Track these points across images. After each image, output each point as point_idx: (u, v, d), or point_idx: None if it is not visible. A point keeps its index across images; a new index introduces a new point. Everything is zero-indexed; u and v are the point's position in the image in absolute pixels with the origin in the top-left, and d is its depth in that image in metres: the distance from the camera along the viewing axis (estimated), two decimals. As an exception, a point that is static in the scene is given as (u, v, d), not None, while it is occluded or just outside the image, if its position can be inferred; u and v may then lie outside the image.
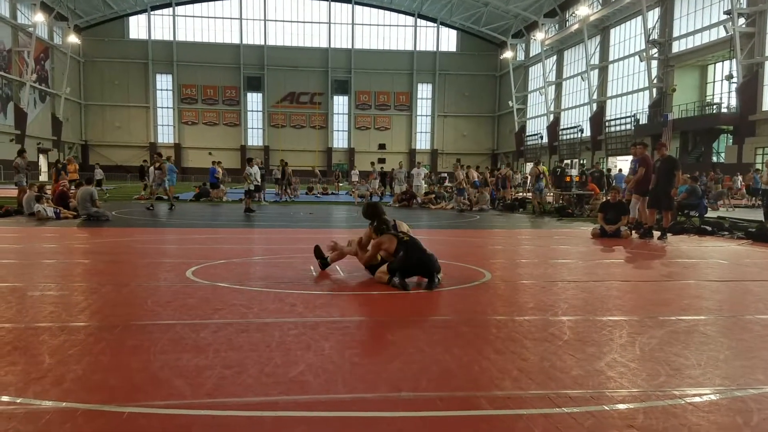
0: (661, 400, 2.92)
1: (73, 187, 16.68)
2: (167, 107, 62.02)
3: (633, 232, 11.61)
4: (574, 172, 23.67)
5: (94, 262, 7.40)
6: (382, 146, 63.44)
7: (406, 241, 6.14)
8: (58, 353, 3.51)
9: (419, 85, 64.10)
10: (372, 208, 6.67)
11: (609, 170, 25.79)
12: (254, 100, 63.12)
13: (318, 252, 6.76)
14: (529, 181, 22.35)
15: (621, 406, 2.85)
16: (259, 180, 21.48)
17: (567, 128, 48.91)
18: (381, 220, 6.41)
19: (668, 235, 11.18)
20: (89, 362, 3.37)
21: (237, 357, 3.49)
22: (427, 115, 65.13)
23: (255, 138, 63.58)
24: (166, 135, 62.30)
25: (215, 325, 4.22)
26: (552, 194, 21.04)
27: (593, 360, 3.56)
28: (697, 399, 2.96)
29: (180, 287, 5.63)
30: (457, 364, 3.45)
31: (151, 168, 23.94)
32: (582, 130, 46.01)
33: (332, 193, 31.87)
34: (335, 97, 63.49)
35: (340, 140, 64.40)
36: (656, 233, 11.24)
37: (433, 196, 22.37)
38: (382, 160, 58.61)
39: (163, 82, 61.63)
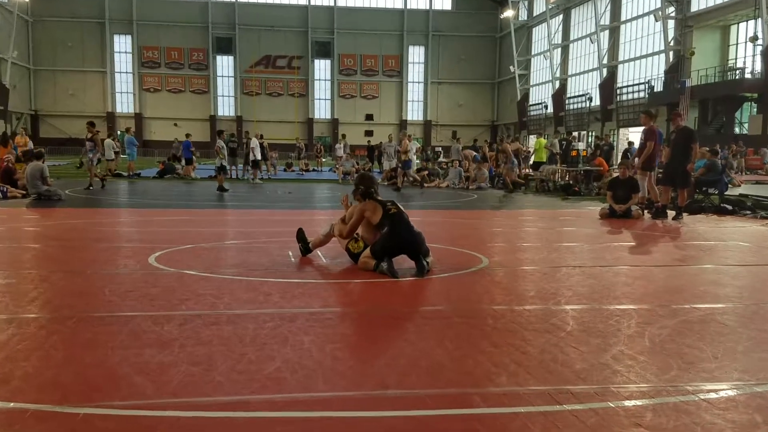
0: (673, 396, 2.97)
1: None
2: (126, 72, 61.32)
3: (645, 211, 11.71)
4: (582, 145, 23.69)
5: (45, 246, 7.34)
6: (369, 117, 63.21)
7: (393, 213, 6.09)
8: (5, 348, 3.49)
9: (410, 48, 63.76)
10: (366, 177, 6.60)
11: (631, 143, 25.69)
12: (225, 65, 62.52)
13: (301, 235, 6.75)
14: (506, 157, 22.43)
15: (628, 403, 2.89)
16: (258, 155, 21.28)
17: (574, 96, 48.95)
18: (369, 184, 6.37)
19: (684, 214, 11.28)
20: (40, 358, 3.36)
21: (206, 352, 3.49)
22: (419, 82, 64.89)
23: (226, 107, 63.10)
24: (125, 104, 61.68)
25: (181, 317, 4.21)
26: (557, 171, 21.09)
27: (598, 353, 3.60)
28: (712, 395, 3.01)
29: (142, 275, 5.61)
30: (449, 358, 3.48)
31: (108, 140, 23.78)
32: (591, 99, 46.07)
33: (314, 170, 31.78)
34: (316, 61, 63.02)
35: (322, 110, 64.09)
36: (671, 213, 11.34)
37: (426, 173, 22.36)
38: (369, 133, 58.46)
39: (122, 44, 60.84)
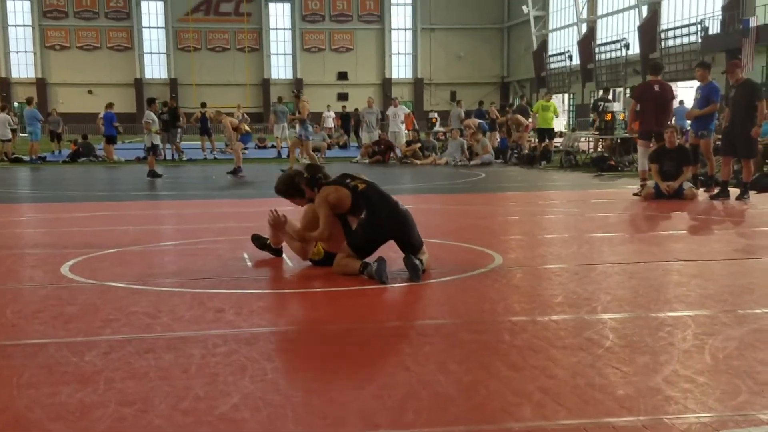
0: (742, 429, 2.99)
1: None
2: (23, 25, 60.60)
3: (702, 189, 11.81)
4: (618, 105, 23.80)
5: (-75, 256, 7.26)
6: (342, 75, 63.08)
7: (362, 189, 6.03)
8: None
9: (394, -15, 63.60)
10: (304, 168, 6.50)
11: (681, 102, 25.71)
12: (152, 12, 62.10)
13: (258, 242, 6.72)
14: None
15: (686, 438, 2.92)
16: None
17: (606, 43, 49.02)
18: (314, 171, 6.33)
19: (750, 192, 11.38)
20: (-77, 404, 3.33)
21: (140, 388, 3.47)
22: (406, 29, 64.78)
23: (156, 68, 62.67)
24: (23, 66, 61.01)
25: (107, 343, 4.19)
26: (588, 139, 21.23)
27: (646, 374, 3.61)
28: (791, 424, 3.04)
29: (53, 290, 5.56)
30: (455, 386, 3.48)
31: (2, 115, 23.55)
32: (627, 46, 46.14)
33: (272, 146, 31.71)
34: (272, 5, 62.72)
35: (281, 69, 63.86)
36: (733, 191, 11.43)
37: (419, 146, 22.41)
38: (343, 96, 58.29)
39: (16, -12, 60.16)
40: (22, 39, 60.77)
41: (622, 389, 3.41)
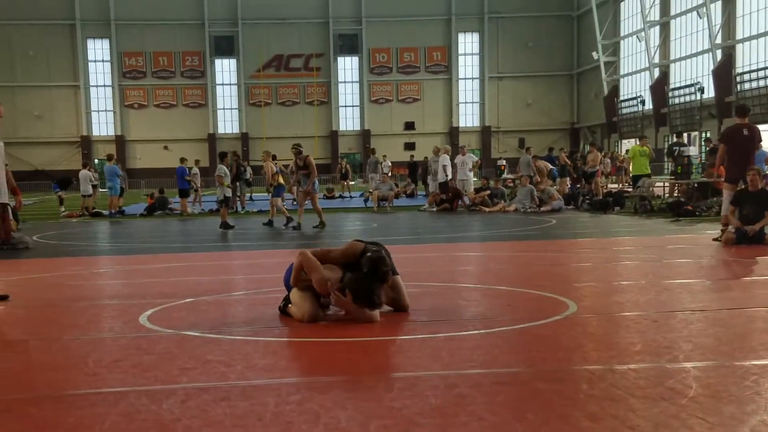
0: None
1: None
2: (104, 85, 63.13)
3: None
4: (693, 150, 23.42)
5: (10, 308, 7.51)
6: (409, 125, 63.63)
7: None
8: (-35, 439, 3.57)
9: (460, 36, 64.27)
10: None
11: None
12: (226, 70, 63.95)
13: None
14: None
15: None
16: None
17: (680, 87, 48.43)
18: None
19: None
20: (9, 451, 3.42)
21: (216, 436, 3.51)
22: (473, 78, 65.20)
23: (228, 123, 64.29)
24: (103, 125, 63.40)
25: (183, 391, 4.26)
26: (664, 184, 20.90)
27: (733, 425, 3.51)
28: None
29: (132, 339, 5.68)
30: (533, 436, 3.43)
31: (83, 171, 24.44)
32: (702, 90, 45.50)
33: (339, 197, 32.08)
34: (340, 60, 63.98)
35: (348, 120, 64.78)
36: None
37: (487, 193, 22.35)
38: (410, 146, 58.72)
39: (98, 51, 62.80)
40: (102, 98, 63.21)
41: (708, 439, 3.31)
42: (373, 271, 5.92)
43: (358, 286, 5.88)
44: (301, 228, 16.13)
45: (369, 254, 6.03)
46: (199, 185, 25.64)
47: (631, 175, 22.20)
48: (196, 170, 25.18)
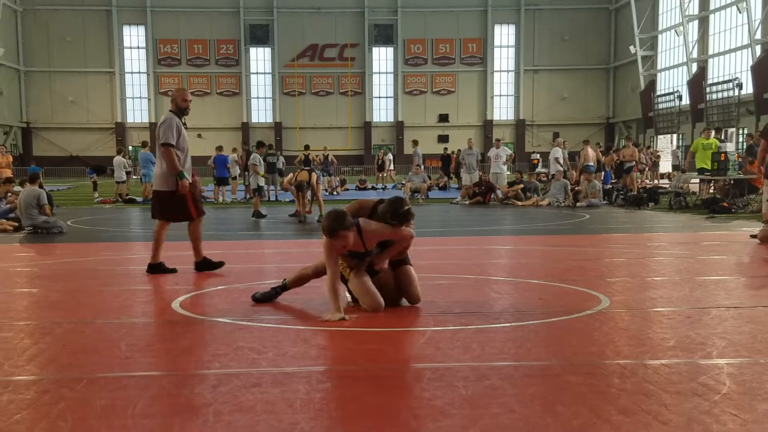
0: None
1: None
2: (139, 72, 63.66)
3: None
4: (730, 146, 23.05)
5: (45, 291, 7.64)
6: (443, 118, 63.49)
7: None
8: (0, 419, 3.64)
9: (496, 28, 63.90)
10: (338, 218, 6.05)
11: None
12: (260, 59, 64.17)
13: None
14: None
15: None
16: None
17: (718, 83, 47.78)
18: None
19: None
20: (44, 431, 3.48)
21: (248, 421, 3.54)
22: (508, 71, 64.81)
23: (262, 112, 64.53)
24: (138, 112, 63.95)
25: (215, 376, 4.30)
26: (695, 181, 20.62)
27: (767, 422, 3.48)
28: None
29: (164, 325, 5.75)
30: (563, 430, 3.42)
31: (117, 158, 24.72)
32: (740, 85, 44.84)
33: (372, 188, 32.08)
34: (375, 50, 63.93)
35: (382, 112, 64.74)
36: None
37: (521, 187, 22.23)
38: (443, 138, 58.60)
39: (133, 37, 63.34)
40: (137, 85, 63.79)
41: (741, 437, 3.28)
42: (394, 212, 6.10)
43: (386, 209, 6.13)
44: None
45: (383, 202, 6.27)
46: (237, 174, 25.58)
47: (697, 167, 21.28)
48: (235, 158, 25.15)
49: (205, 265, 8.54)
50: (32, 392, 4.06)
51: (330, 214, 5.91)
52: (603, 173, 24.14)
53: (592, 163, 23.22)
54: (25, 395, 4.00)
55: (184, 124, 8.59)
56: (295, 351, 4.94)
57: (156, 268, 8.41)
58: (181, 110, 8.56)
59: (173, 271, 8.44)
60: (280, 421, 3.54)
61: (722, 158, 18.76)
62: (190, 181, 8.44)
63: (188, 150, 8.56)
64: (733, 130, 44.58)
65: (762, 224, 11.82)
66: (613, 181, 24.31)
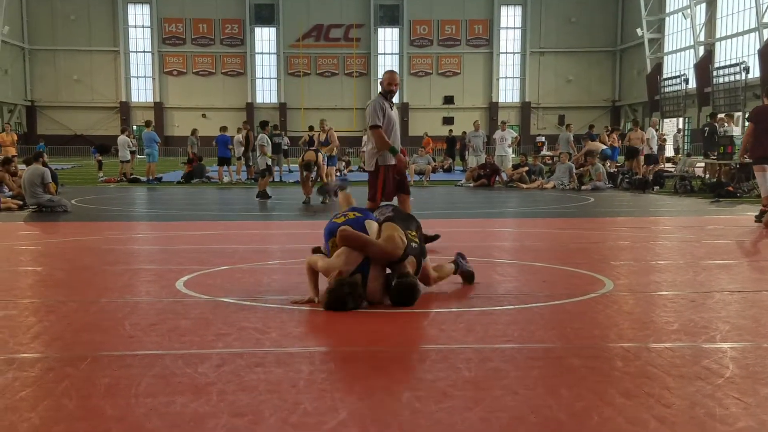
0: None
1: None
2: (144, 51, 63.42)
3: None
4: (736, 130, 22.98)
5: (50, 270, 7.67)
6: (448, 100, 63.27)
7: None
8: (4, 396, 3.66)
9: (503, 9, 63.51)
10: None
11: None
12: (265, 38, 63.87)
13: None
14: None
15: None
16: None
17: (725, 66, 47.52)
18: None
19: None
20: (49, 408, 3.49)
21: (251, 401, 3.56)
22: (514, 53, 64.49)
23: (267, 92, 64.36)
24: (142, 91, 63.78)
25: (218, 356, 4.32)
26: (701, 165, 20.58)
27: (771, 406, 3.49)
28: None
29: (168, 304, 5.76)
30: (566, 412, 3.43)
31: (122, 137, 24.69)
32: (747, 69, 44.62)
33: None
34: (380, 31, 63.59)
35: (387, 92, 64.38)
36: None
37: (525, 169, 22.20)
38: (448, 120, 58.44)
39: (138, 16, 63.06)
40: (142, 65, 63.63)
41: (744, 421, 3.29)
42: (397, 296, 5.68)
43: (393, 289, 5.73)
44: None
45: (399, 282, 5.68)
46: (241, 154, 25.38)
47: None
48: (239, 138, 24.72)
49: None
50: (37, 370, 4.08)
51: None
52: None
53: (607, 148, 23.35)
54: (29, 373, 4.02)
55: (390, 106, 8.57)
56: (298, 331, 4.96)
57: None
58: (386, 93, 8.56)
59: None
60: (284, 401, 3.55)
61: (729, 142, 18.72)
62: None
63: (395, 129, 8.56)
64: (740, 114, 44.37)
65: (760, 207, 11.79)
66: (618, 164, 24.31)
